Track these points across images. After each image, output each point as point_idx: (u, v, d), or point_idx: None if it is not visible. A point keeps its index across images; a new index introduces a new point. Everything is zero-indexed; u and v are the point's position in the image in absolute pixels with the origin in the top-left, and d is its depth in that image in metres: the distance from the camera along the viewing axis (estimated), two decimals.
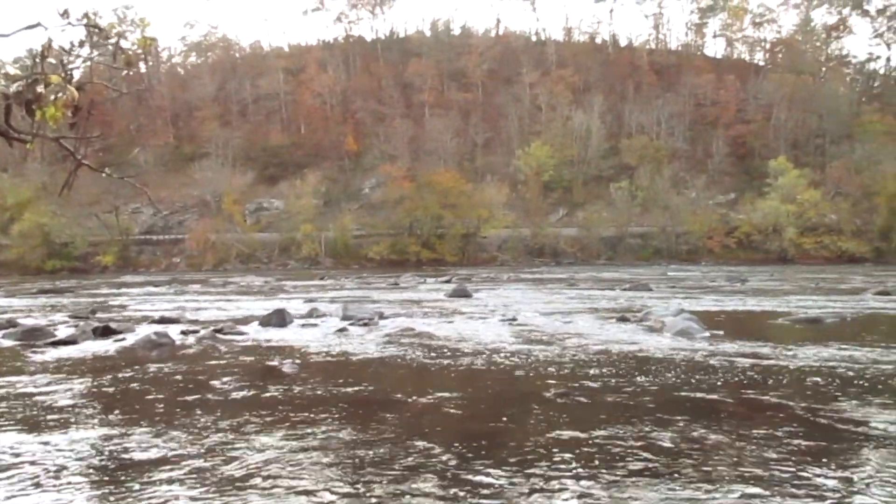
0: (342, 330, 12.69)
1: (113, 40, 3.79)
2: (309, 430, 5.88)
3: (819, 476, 4.63)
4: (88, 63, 3.92)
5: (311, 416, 6.42)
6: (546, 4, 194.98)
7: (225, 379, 8.22)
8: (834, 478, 4.61)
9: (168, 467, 4.91)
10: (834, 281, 29.44)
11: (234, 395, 7.41)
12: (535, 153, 71.94)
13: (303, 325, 13.63)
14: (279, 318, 13.69)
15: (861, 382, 7.70)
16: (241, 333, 12.39)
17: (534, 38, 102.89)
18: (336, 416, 6.44)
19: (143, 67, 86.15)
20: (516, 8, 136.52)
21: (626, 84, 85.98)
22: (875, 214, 61.00)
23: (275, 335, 12.22)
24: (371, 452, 5.23)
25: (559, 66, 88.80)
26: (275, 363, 9.34)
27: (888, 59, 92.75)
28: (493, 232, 62.91)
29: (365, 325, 13.36)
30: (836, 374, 8.16)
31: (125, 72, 4.22)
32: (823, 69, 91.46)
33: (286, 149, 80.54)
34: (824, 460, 4.99)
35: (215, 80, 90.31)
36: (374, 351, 10.36)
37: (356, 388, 7.68)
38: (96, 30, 3.76)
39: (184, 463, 5.01)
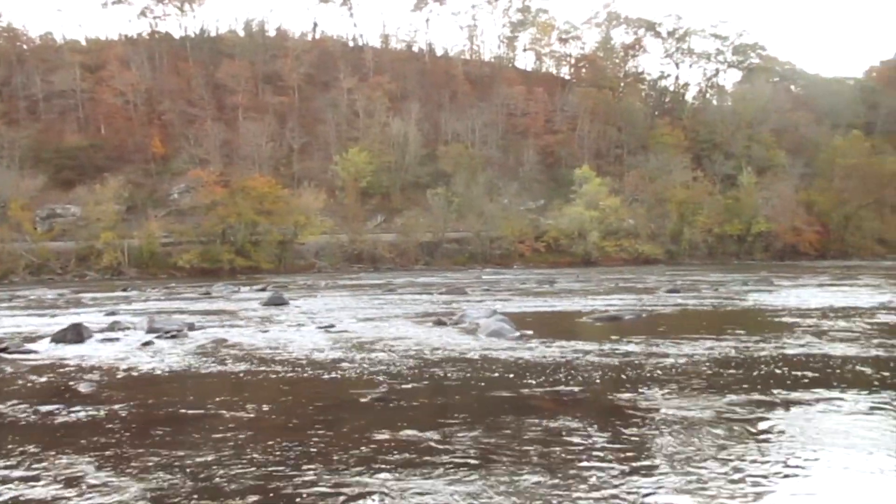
0: (148, 343, 11.91)
1: None
2: (110, 454, 5.44)
3: (616, 459, 4.96)
4: None
5: (113, 438, 5.95)
6: (363, 11, 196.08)
7: (10, 402, 7.42)
8: (629, 459, 4.95)
9: None
10: (632, 281, 31.90)
11: (21, 420, 6.71)
12: (353, 159, 71.84)
13: (103, 340, 12.63)
14: (75, 334, 12.58)
15: (654, 373, 8.36)
16: (31, 351, 11.28)
17: (351, 44, 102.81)
18: (141, 436, 6.01)
19: None
20: (333, 12, 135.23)
21: (442, 93, 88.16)
22: (666, 219, 67.11)
23: (70, 352, 11.23)
24: (180, 473, 4.92)
25: (377, 73, 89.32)
26: (70, 383, 8.58)
27: (677, 77, 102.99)
28: (310, 238, 61.89)
29: (173, 337, 12.64)
30: (633, 367, 8.79)
31: None
32: (622, 85, 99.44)
33: (84, 150, 74.45)
34: (622, 445, 5.37)
35: None
36: (184, 364, 9.82)
37: (163, 405, 7.23)
38: None
39: None
